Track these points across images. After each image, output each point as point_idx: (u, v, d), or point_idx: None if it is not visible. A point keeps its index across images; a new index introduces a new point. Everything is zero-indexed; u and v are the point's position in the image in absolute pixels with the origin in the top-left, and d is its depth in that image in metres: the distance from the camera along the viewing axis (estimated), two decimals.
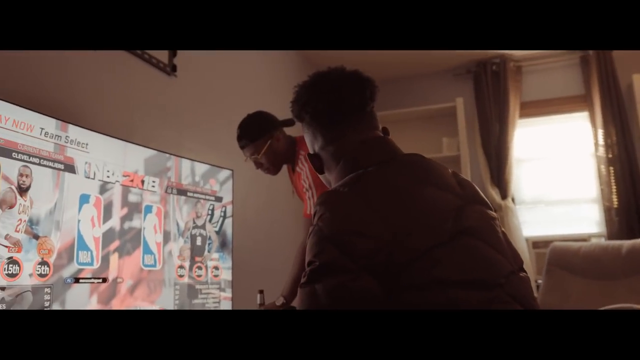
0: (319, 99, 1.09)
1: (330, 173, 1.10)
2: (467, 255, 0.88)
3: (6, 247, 1.32)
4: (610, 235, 3.52)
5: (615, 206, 3.54)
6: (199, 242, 2.04)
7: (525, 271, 1.00)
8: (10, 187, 1.35)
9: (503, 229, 1.03)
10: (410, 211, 0.90)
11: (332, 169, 1.09)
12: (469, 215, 0.94)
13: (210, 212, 2.11)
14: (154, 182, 1.85)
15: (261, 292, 2.25)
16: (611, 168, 3.60)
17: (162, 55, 2.35)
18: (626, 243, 2.90)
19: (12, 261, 1.34)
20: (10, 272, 1.33)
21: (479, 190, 1.06)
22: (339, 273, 0.85)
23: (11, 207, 1.35)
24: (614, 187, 3.57)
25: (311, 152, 1.14)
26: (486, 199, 1.05)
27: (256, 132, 2.02)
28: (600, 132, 3.66)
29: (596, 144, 3.69)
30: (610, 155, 3.61)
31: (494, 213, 1.03)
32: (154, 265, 1.82)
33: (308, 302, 0.87)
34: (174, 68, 2.41)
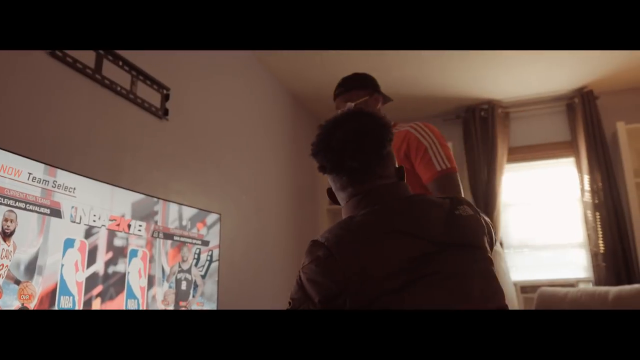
0: (337, 153, 1.14)
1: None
2: (416, 302, 0.95)
3: None
4: (598, 281, 3.53)
5: (602, 251, 3.56)
6: (184, 286, 2.03)
7: None
8: None
9: (490, 268, 1.06)
10: (368, 260, 0.97)
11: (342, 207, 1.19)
12: (436, 262, 0.99)
13: (196, 256, 2.11)
14: (140, 226, 1.86)
15: None
16: (597, 213, 3.64)
17: (154, 99, 2.40)
18: (613, 289, 2.92)
19: None
20: None
21: (476, 230, 1.09)
22: None
23: None
24: (600, 232, 3.60)
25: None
26: (479, 239, 1.08)
27: (358, 82, 1.95)
28: (586, 177, 3.72)
29: (582, 190, 3.74)
30: (596, 201, 3.65)
31: (483, 253, 1.07)
32: None
33: None
34: (165, 112, 2.45)
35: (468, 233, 1.07)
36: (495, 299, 1.03)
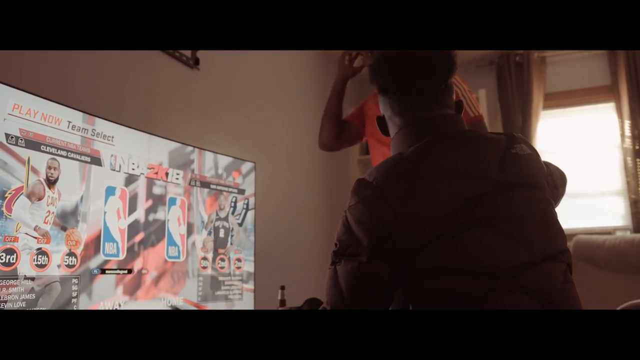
0: (404, 71, 1.09)
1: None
2: (471, 246, 0.90)
3: (35, 238, 1.35)
4: (636, 228, 3.45)
5: None
6: (222, 234, 2.06)
7: (558, 259, 0.96)
8: (39, 180, 1.38)
9: (550, 210, 1.01)
10: (420, 201, 0.93)
11: (392, 137, 1.13)
12: (492, 203, 0.94)
13: (233, 204, 2.13)
14: (177, 174, 1.87)
15: (282, 288, 2.27)
16: (638, 160, 3.52)
17: None
18: None
19: (41, 252, 1.36)
20: (39, 263, 1.36)
21: (534, 169, 1.03)
22: (353, 257, 0.94)
23: (40, 199, 1.37)
24: None
25: (382, 115, 1.16)
26: (537, 179, 1.02)
27: None
28: (627, 123, 3.58)
29: (622, 136, 3.61)
30: (637, 147, 3.53)
31: (542, 193, 1.01)
32: (178, 257, 1.85)
33: (330, 282, 0.98)
34: (196, 61, 2.43)
35: (525, 172, 1.00)
36: (554, 242, 0.97)
